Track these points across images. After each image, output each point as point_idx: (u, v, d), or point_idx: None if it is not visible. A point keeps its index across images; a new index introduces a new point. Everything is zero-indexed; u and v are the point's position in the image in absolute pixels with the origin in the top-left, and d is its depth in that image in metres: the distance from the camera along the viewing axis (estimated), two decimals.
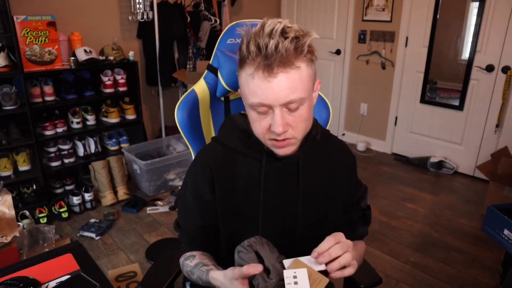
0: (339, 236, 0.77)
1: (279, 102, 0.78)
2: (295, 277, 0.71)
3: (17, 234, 1.51)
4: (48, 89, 2.66)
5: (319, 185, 0.95)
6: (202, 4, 3.37)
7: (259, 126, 0.83)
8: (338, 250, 0.74)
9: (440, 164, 3.36)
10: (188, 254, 0.95)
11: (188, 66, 3.35)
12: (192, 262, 0.91)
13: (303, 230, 0.93)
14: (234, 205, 0.92)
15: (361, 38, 3.68)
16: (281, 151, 0.85)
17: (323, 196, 0.95)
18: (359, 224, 1.03)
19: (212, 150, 0.96)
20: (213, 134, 1.25)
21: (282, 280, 0.72)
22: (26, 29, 2.43)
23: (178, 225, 1.00)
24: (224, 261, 0.92)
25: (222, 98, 1.23)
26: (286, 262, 0.76)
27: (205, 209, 0.93)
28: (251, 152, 0.91)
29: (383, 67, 3.61)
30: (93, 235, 2.41)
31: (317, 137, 0.94)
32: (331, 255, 0.73)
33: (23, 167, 2.63)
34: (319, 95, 1.21)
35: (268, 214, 0.91)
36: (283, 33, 0.76)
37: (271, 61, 0.75)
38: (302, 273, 0.71)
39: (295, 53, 0.77)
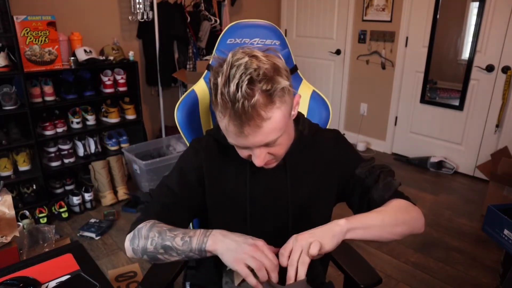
0: (292, 240, 0.77)
1: (256, 146, 0.80)
2: None
3: (17, 234, 1.51)
4: (48, 89, 2.66)
5: (307, 177, 0.96)
6: (202, 4, 3.37)
7: (240, 152, 0.86)
8: (294, 258, 0.74)
9: (440, 164, 3.36)
10: (142, 224, 0.87)
11: (188, 66, 3.35)
12: (155, 229, 0.84)
13: (294, 220, 0.95)
14: (224, 196, 0.94)
15: (361, 38, 3.68)
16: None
17: (312, 187, 0.96)
18: (371, 191, 0.92)
19: (205, 141, 0.98)
20: None
21: None
22: (26, 29, 2.43)
23: (150, 194, 0.97)
24: None
25: None
26: None
27: (184, 186, 0.93)
28: None
29: (383, 67, 3.60)
30: (93, 235, 2.41)
31: (304, 132, 0.95)
32: (293, 265, 0.74)
33: (23, 167, 2.63)
34: (319, 95, 1.21)
35: (257, 207, 0.94)
36: (251, 83, 0.72)
37: (241, 121, 0.74)
38: None
39: (265, 104, 0.74)
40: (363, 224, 0.82)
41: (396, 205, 0.89)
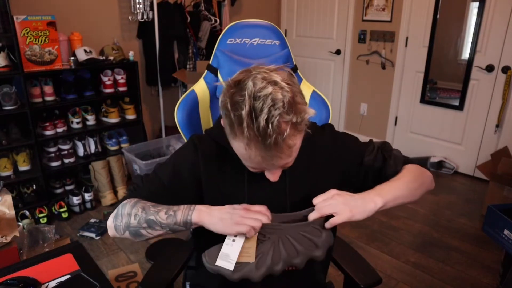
0: (331, 194, 0.85)
1: (275, 168, 0.82)
2: (233, 240, 0.83)
3: (17, 234, 1.51)
4: (48, 89, 2.66)
5: (305, 177, 0.96)
6: (202, 4, 3.37)
7: (251, 168, 0.86)
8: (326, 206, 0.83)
9: (440, 164, 3.36)
10: (125, 201, 0.89)
11: (188, 66, 3.36)
12: (139, 205, 0.86)
13: None
14: (222, 196, 0.94)
15: (361, 38, 3.68)
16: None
17: (310, 187, 0.96)
18: (383, 171, 1.00)
19: (204, 140, 0.98)
20: None
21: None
22: (26, 29, 2.43)
23: (142, 179, 0.96)
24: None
25: None
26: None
27: (175, 181, 0.93)
28: None
29: (383, 67, 3.61)
30: (93, 235, 2.41)
31: None
32: (319, 211, 0.84)
33: (23, 167, 2.63)
34: (319, 95, 1.21)
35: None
36: (280, 117, 0.70)
37: (271, 154, 0.75)
38: (239, 240, 0.82)
39: (293, 134, 0.75)
40: (394, 196, 0.90)
41: (411, 170, 0.98)
